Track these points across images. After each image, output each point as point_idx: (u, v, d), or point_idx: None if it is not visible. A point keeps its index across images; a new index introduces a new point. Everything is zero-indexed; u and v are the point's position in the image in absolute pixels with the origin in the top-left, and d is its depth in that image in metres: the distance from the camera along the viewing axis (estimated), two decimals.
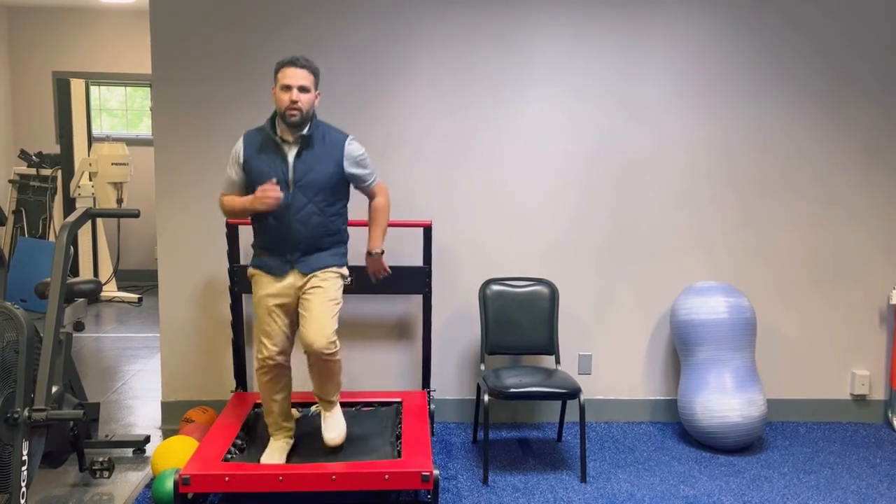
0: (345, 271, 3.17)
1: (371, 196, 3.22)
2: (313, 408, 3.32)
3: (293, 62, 2.97)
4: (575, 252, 4.06)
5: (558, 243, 4.05)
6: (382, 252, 3.19)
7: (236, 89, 3.86)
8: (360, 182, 3.16)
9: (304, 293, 3.07)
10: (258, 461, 3.07)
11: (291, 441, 3.23)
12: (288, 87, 2.95)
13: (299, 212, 3.01)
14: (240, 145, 3.09)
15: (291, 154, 3.03)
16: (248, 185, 3.08)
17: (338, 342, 3.04)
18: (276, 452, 3.13)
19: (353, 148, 3.11)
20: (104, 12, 7.78)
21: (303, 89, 2.96)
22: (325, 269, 3.09)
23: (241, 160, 3.06)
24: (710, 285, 3.86)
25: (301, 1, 3.83)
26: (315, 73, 3.02)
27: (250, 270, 3.14)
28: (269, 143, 3.04)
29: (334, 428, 3.19)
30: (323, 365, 3.07)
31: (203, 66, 3.83)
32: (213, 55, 3.83)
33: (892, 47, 4.03)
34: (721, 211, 4.07)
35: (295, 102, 2.94)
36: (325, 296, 3.04)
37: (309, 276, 3.06)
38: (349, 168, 3.09)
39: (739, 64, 3.99)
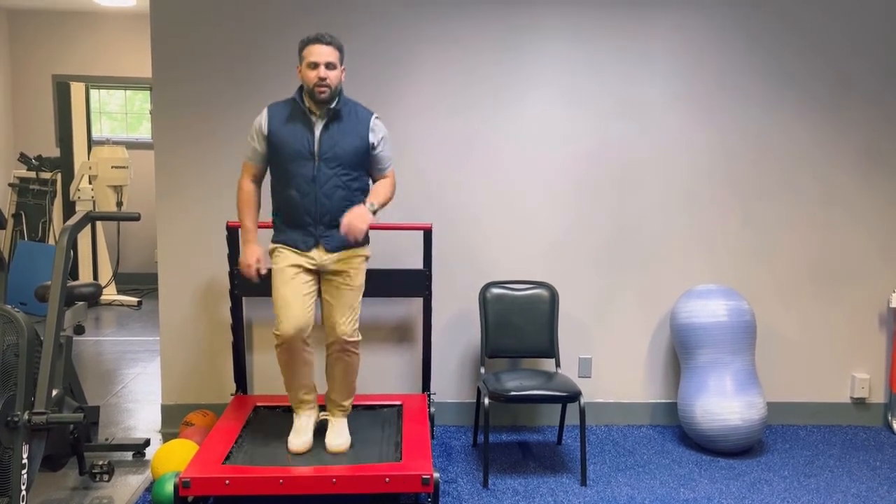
0: (368, 251, 3.18)
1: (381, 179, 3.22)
2: (321, 414, 3.33)
3: (318, 39, 2.96)
4: (575, 255, 4.06)
5: (558, 246, 4.05)
6: (375, 209, 3.02)
7: (237, 92, 3.86)
8: (378, 162, 3.15)
9: (329, 279, 3.09)
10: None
11: (316, 414, 3.25)
12: (315, 65, 2.95)
13: (324, 185, 3.01)
14: (264, 117, 3.07)
15: (318, 127, 3.03)
16: (274, 157, 3.06)
17: (359, 332, 3.14)
18: (301, 432, 3.16)
19: (379, 124, 3.13)
20: (104, 16, 7.79)
21: (329, 66, 2.96)
22: (351, 250, 3.09)
23: (266, 132, 3.05)
24: (711, 288, 3.86)
25: (303, 4, 3.83)
26: (340, 49, 3.02)
27: (272, 246, 3.13)
28: (297, 113, 3.04)
29: (340, 436, 3.20)
30: (343, 357, 3.14)
31: (203, 69, 3.84)
32: (213, 58, 3.84)
33: (892, 49, 4.04)
34: (721, 213, 4.08)
35: (323, 80, 2.95)
36: (351, 284, 3.10)
37: (334, 255, 3.06)
38: (374, 143, 3.10)
39: (739, 66, 4.00)
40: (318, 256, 3.07)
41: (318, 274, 3.12)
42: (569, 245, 4.05)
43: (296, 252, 3.07)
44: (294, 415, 3.26)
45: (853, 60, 4.04)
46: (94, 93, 8.05)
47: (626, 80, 3.98)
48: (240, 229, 3.16)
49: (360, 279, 3.15)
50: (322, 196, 3.02)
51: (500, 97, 3.95)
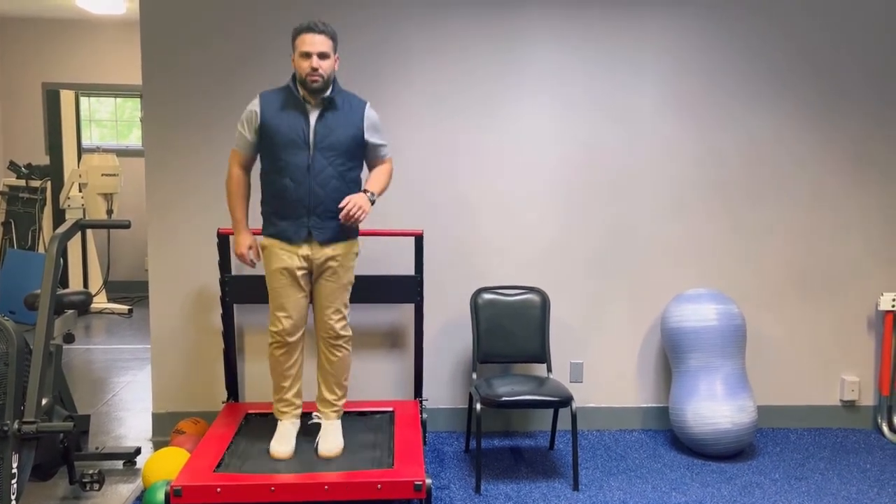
0: (358, 246, 3.20)
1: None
2: (314, 415, 3.33)
3: (311, 28, 2.95)
4: (566, 260, 4.07)
5: (550, 251, 4.06)
6: (373, 199, 3.04)
7: (227, 100, 3.86)
8: (374, 151, 3.15)
9: (320, 275, 3.10)
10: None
11: (298, 422, 3.26)
12: (308, 55, 2.94)
13: (319, 174, 3.00)
14: (256, 106, 3.05)
15: (313, 115, 3.02)
16: (266, 145, 3.04)
17: (349, 327, 3.19)
18: (284, 438, 3.16)
19: (372, 113, 3.13)
20: (94, 24, 7.78)
21: (322, 55, 2.95)
22: (342, 243, 3.10)
23: (259, 121, 3.04)
24: (700, 292, 3.88)
25: (293, 11, 3.84)
26: (333, 37, 3.00)
27: (263, 241, 3.12)
28: (292, 101, 3.02)
29: (332, 441, 3.19)
30: (335, 353, 3.16)
31: (194, 77, 3.84)
32: (203, 65, 3.84)
33: (883, 56, 4.08)
34: (711, 218, 4.10)
35: (316, 69, 2.94)
36: (341, 280, 3.12)
37: (324, 248, 3.06)
38: (368, 133, 3.10)
39: (729, 72, 4.03)
40: (310, 250, 3.06)
41: (310, 272, 3.12)
42: (560, 250, 4.07)
43: (287, 250, 3.06)
44: (278, 421, 3.25)
45: (843, 66, 4.07)
46: (84, 100, 8.03)
47: (616, 86, 4.00)
48: (231, 219, 3.15)
49: (350, 275, 3.17)
50: (316, 186, 3.00)
51: (490, 103, 3.97)
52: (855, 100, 4.09)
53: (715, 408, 3.67)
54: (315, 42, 2.94)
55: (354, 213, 2.93)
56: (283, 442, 3.15)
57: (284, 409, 3.23)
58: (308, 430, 3.50)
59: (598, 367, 4.14)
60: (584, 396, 4.16)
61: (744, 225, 4.11)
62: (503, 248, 4.04)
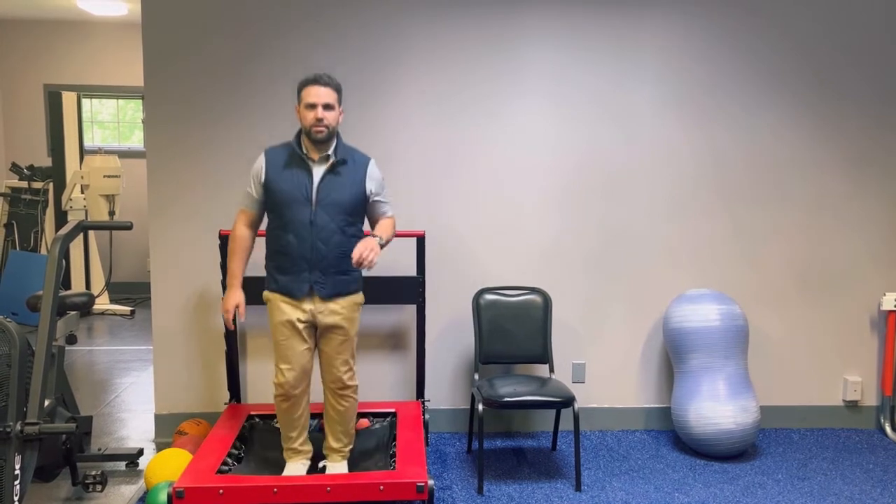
0: (361, 298, 3.17)
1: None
2: (320, 464, 3.31)
3: (317, 80, 2.97)
4: (568, 260, 4.07)
5: (551, 252, 4.06)
6: (382, 244, 3.04)
7: (229, 101, 3.87)
8: (377, 208, 3.15)
9: (325, 329, 3.07)
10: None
11: (308, 462, 3.25)
12: (313, 106, 2.96)
13: (322, 230, 3.00)
14: (261, 163, 3.07)
15: (317, 172, 3.02)
16: (271, 201, 3.05)
17: (357, 377, 3.16)
18: (295, 471, 3.16)
19: (376, 171, 3.13)
20: (95, 25, 7.79)
21: (327, 107, 2.97)
22: (345, 298, 3.08)
23: (263, 179, 3.05)
24: (702, 293, 3.88)
25: (294, 13, 3.84)
26: (338, 90, 3.03)
27: (266, 294, 3.11)
28: (296, 159, 3.04)
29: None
30: (341, 403, 3.15)
31: (195, 79, 3.84)
32: (205, 67, 3.84)
33: (883, 55, 4.07)
34: (712, 219, 4.10)
35: (321, 120, 2.95)
36: (348, 334, 3.10)
37: (328, 303, 3.04)
38: (371, 191, 3.09)
39: (729, 73, 4.03)
40: (313, 305, 3.05)
41: (314, 326, 3.10)
42: (561, 251, 4.07)
43: (290, 304, 3.05)
44: (287, 461, 3.23)
45: (843, 66, 4.07)
46: (85, 102, 8.04)
47: (614, 86, 4.00)
48: (227, 273, 3.12)
49: (355, 328, 3.14)
50: (319, 241, 3.00)
51: (489, 104, 3.97)
52: (856, 100, 4.09)
53: (717, 408, 3.67)
54: (320, 94, 2.96)
55: (367, 255, 2.88)
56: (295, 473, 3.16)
57: (292, 455, 3.23)
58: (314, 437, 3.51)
59: (601, 368, 4.14)
60: (587, 397, 4.15)
61: (745, 225, 4.11)
62: (505, 249, 4.04)
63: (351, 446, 3.27)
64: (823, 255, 4.15)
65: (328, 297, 3.04)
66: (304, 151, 3.03)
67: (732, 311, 3.79)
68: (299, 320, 3.04)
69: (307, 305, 3.04)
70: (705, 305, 3.79)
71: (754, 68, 4.04)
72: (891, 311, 4.11)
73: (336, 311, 3.06)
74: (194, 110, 3.86)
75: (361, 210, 3.12)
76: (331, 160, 3.03)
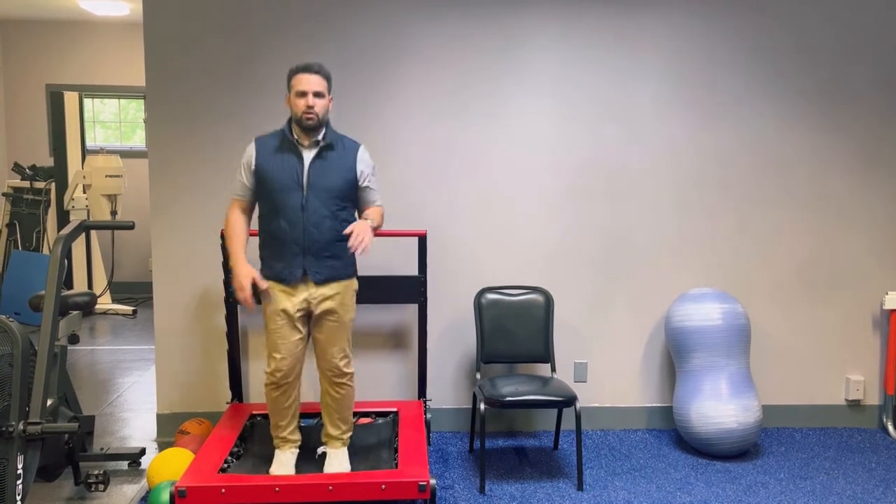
0: (355, 284, 3.17)
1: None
2: (319, 450, 3.31)
3: (307, 68, 3.00)
4: (570, 260, 4.07)
5: (553, 251, 4.06)
6: (375, 228, 3.04)
7: (231, 100, 3.87)
8: (366, 195, 3.15)
9: (320, 315, 3.07)
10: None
11: (297, 451, 3.25)
12: (303, 94, 2.98)
13: (313, 215, 3.01)
14: (251, 151, 3.08)
15: (307, 157, 3.04)
16: (262, 188, 3.06)
17: (352, 363, 3.12)
18: (283, 465, 3.15)
19: (366, 155, 3.14)
20: (97, 25, 7.79)
21: (317, 94, 2.99)
22: (339, 282, 3.08)
23: (254, 166, 3.06)
24: (705, 292, 3.88)
25: (295, 11, 3.84)
26: (328, 78, 3.05)
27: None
28: (286, 145, 3.05)
29: (339, 466, 3.18)
30: (338, 390, 3.14)
31: (197, 78, 3.84)
32: (207, 66, 3.84)
33: (888, 54, 4.06)
34: (714, 217, 4.09)
35: (311, 108, 2.97)
36: (342, 319, 3.10)
37: (322, 288, 3.05)
38: (361, 170, 3.10)
39: (732, 71, 4.02)
40: (307, 291, 3.04)
41: (308, 314, 3.10)
42: (563, 250, 4.06)
43: (284, 292, 3.04)
44: (276, 449, 3.22)
45: (848, 65, 4.06)
46: (87, 102, 8.05)
47: (618, 85, 3.99)
48: (229, 257, 3.09)
49: (351, 313, 3.14)
50: (311, 226, 3.01)
51: (491, 104, 3.96)
52: (861, 99, 4.08)
53: (719, 407, 3.67)
54: (311, 82, 2.98)
55: (361, 237, 2.88)
56: (282, 468, 3.14)
57: (282, 444, 3.22)
58: (307, 432, 3.51)
59: (602, 367, 4.14)
60: (588, 396, 4.15)
61: (748, 224, 4.11)
62: (506, 248, 4.04)
63: (350, 433, 3.27)
64: (826, 254, 4.15)
65: (322, 282, 3.05)
66: (295, 138, 3.05)
67: (735, 310, 3.79)
68: (295, 310, 3.04)
69: (301, 293, 3.04)
70: (707, 304, 3.79)
71: (758, 67, 4.03)
72: (894, 311, 4.11)
73: (329, 295, 3.06)
74: (195, 110, 3.86)
75: (352, 195, 3.12)
76: (320, 145, 3.05)
